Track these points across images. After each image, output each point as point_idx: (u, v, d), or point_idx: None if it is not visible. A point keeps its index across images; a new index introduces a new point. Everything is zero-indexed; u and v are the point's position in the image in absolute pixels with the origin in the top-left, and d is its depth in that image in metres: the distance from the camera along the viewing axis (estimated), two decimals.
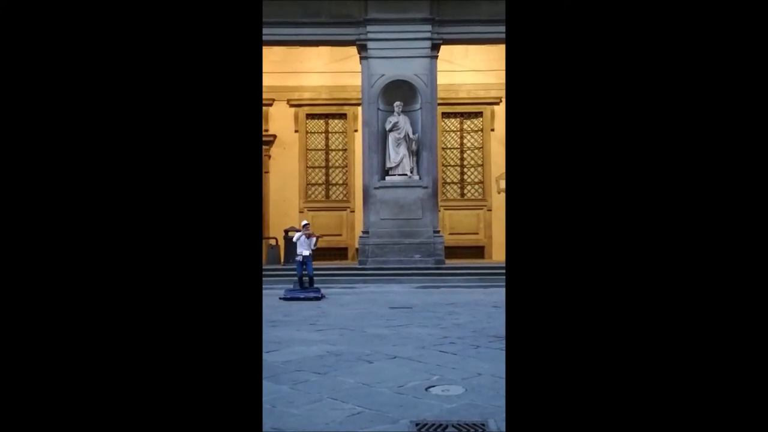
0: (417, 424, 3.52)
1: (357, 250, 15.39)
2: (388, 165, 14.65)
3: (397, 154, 14.59)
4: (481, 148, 17.84)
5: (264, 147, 17.03)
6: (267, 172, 17.31)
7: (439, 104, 15.37)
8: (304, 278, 11.37)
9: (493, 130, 17.64)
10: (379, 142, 14.66)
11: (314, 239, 11.73)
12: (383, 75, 14.58)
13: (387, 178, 14.65)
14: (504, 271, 2.53)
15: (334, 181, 18.09)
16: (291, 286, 11.37)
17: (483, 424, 3.51)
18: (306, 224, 11.99)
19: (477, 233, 17.45)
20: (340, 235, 17.42)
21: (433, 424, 3.52)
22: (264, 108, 16.84)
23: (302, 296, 10.81)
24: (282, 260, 15.81)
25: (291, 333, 6.96)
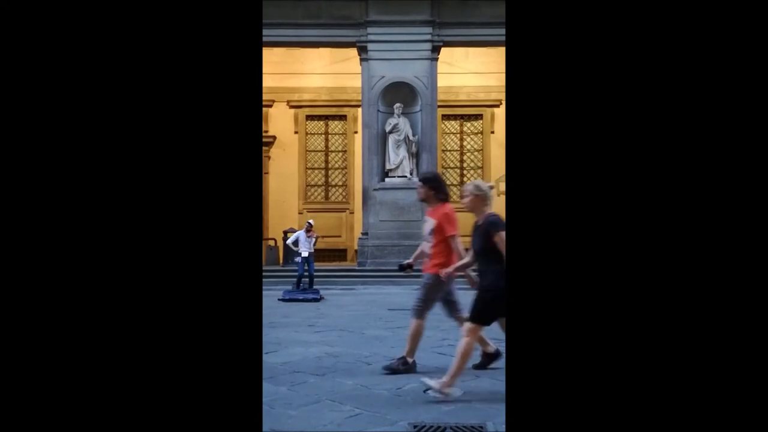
0: (415, 426, 3.51)
1: (356, 251, 15.40)
2: (388, 167, 14.65)
3: (397, 156, 14.59)
4: (481, 150, 17.86)
5: (264, 148, 17.03)
6: (266, 173, 17.32)
7: (439, 106, 15.37)
8: (303, 278, 11.38)
9: (493, 132, 17.67)
10: (378, 143, 14.66)
11: (314, 239, 11.75)
12: (383, 77, 14.59)
13: (386, 179, 14.66)
14: None
15: (333, 183, 18.10)
16: (290, 288, 11.37)
17: (481, 427, 3.50)
18: (310, 223, 11.99)
19: None
20: (339, 236, 17.43)
21: (432, 426, 3.51)
22: (264, 109, 16.85)
23: (301, 297, 10.81)
24: (281, 261, 15.80)
25: (290, 334, 6.95)
